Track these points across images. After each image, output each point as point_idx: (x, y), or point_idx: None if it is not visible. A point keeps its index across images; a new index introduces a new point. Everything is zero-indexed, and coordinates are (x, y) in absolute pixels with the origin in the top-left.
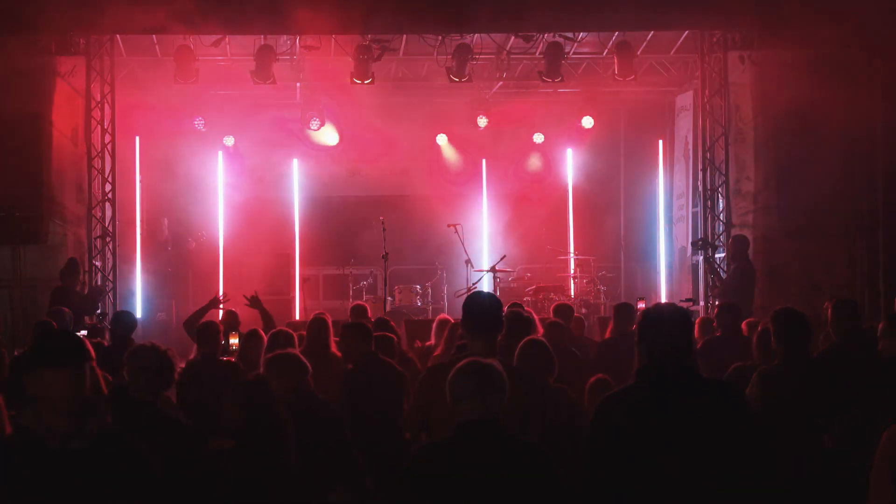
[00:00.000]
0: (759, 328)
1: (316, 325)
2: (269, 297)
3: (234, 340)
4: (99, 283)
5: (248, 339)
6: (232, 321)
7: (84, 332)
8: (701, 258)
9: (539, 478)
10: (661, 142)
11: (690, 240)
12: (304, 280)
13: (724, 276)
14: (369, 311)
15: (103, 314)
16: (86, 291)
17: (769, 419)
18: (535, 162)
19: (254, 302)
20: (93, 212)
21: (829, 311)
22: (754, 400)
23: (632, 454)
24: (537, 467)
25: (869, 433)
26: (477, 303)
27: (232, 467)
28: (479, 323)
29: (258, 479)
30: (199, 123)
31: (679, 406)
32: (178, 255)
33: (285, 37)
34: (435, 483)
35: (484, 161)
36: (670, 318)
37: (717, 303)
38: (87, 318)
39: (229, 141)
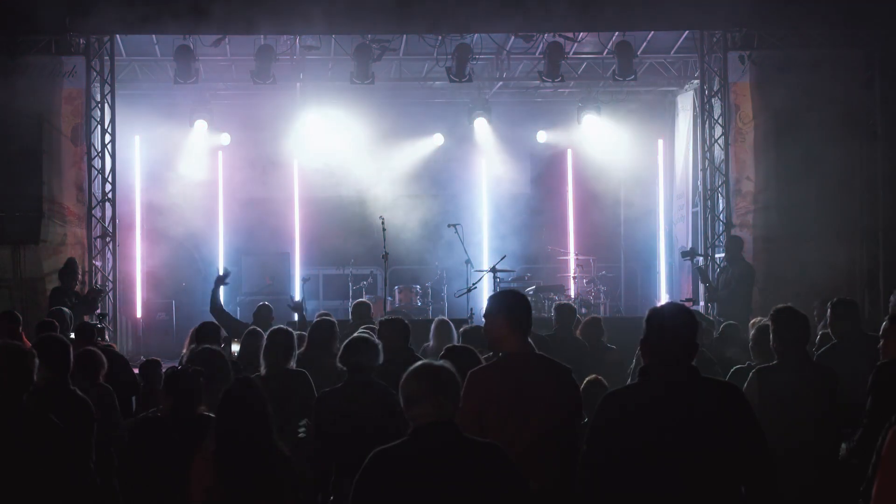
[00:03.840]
0: (754, 327)
1: (322, 326)
2: (269, 297)
3: (235, 347)
4: (99, 283)
5: (249, 338)
6: (266, 315)
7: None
8: (697, 265)
9: (498, 477)
10: (660, 142)
11: (680, 250)
12: (304, 280)
13: (715, 278)
14: (372, 309)
15: (103, 314)
16: (85, 291)
17: (764, 417)
18: (535, 161)
19: (297, 307)
20: (93, 212)
21: (829, 311)
22: (750, 397)
23: (631, 451)
24: (496, 467)
25: (877, 434)
26: (515, 300)
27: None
28: (518, 319)
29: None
30: (198, 123)
31: (681, 406)
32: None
33: (285, 37)
34: (392, 487)
35: (484, 161)
36: (675, 319)
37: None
38: (85, 319)
39: (229, 140)
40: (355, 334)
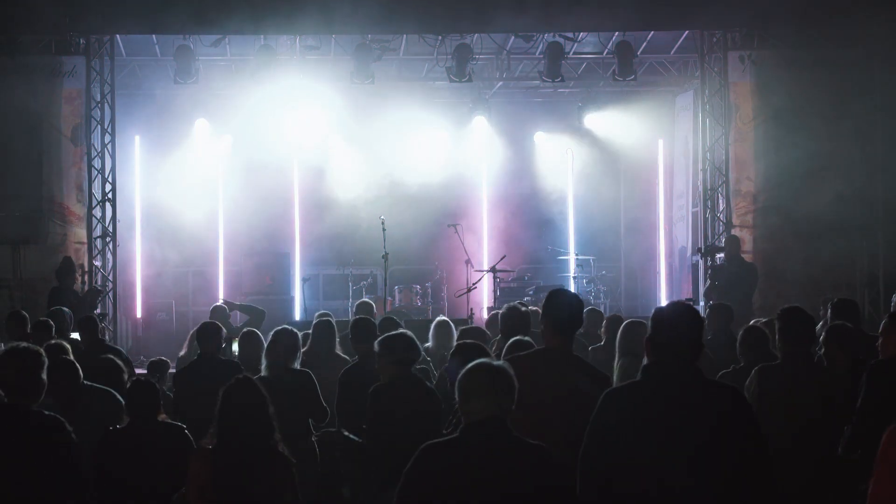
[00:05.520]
0: (743, 330)
1: (321, 326)
2: (269, 297)
3: (236, 347)
4: (99, 283)
5: (246, 338)
6: (221, 315)
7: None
8: (706, 262)
9: (543, 479)
10: (660, 142)
11: (699, 246)
12: (304, 280)
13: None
14: (375, 308)
15: (102, 314)
16: (85, 291)
17: (762, 414)
18: (535, 161)
19: (230, 307)
20: (93, 212)
21: (829, 311)
22: (750, 393)
23: (628, 449)
24: (542, 468)
25: (874, 434)
26: (559, 301)
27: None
28: (560, 320)
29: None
30: (198, 123)
31: (680, 406)
32: None
33: (285, 37)
34: (440, 479)
35: (484, 161)
36: (681, 318)
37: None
38: None
39: (228, 140)
40: (394, 331)
